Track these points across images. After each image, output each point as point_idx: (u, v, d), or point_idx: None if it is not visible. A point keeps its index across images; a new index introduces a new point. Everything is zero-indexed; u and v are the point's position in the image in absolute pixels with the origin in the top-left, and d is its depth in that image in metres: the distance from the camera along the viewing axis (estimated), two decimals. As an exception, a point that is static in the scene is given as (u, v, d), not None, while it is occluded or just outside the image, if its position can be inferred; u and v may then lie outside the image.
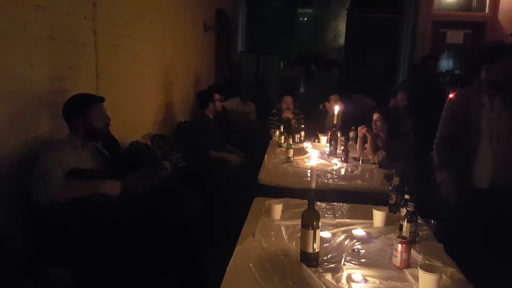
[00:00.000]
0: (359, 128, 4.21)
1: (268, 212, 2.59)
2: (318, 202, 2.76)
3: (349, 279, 1.87)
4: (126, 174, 2.93)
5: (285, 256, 2.08)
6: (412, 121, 4.79)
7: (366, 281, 1.87)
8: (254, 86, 7.52)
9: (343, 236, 2.33)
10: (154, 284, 2.64)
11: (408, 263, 1.99)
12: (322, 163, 3.97)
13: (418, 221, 2.33)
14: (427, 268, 1.79)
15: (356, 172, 3.64)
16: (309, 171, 3.62)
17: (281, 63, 9.29)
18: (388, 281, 1.86)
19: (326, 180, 3.44)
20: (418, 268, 1.81)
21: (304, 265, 1.95)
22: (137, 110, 4.45)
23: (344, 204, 2.88)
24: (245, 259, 2.04)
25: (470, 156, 3.00)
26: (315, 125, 5.45)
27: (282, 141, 4.78)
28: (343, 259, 2.06)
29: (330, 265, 2.00)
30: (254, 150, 4.94)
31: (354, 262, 2.04)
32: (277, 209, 2.57)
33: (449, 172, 3.05)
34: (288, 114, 5.60)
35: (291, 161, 3.99)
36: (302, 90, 6.88)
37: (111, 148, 3.07)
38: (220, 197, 4.05)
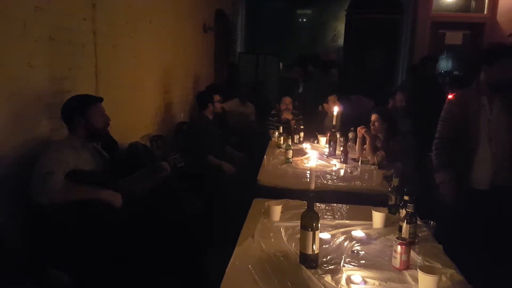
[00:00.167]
0: (358, 129, 4.22)
1: (268, 213, 2.59)
2: (317, 203, 2.76)
3: (349, 280, 1.87)
4: (126, 175, 2.94)
5: (284, 257, 2.08)
6: (411, 121, 4.80)
7: (365, 282, 1.87)
8: (253, 87, 7.52)
9: (342, 238, 2.33)
10: (153, 285, 2.64)
11: (407, 265, 1.99)
12: (321, 164, 3.97)
13: (418, 222, 2.33)
14: (427, 270, 1.80)
15: (355, 173, 3.64)
16: (308, 172, 3.62)
17: (280, 64, 9.29)
18: (388, 283, 1.87)
19: (325, 181, 3.44)
20: (418, 269, 1.81)
21: (303, 267, 1.95)
22: (136, 111, 4.45)
23: (344, 205, 2.88)
24: (244, 260, 2.04)
25: (469, 157, 3.00)
26: (314, 126, 5.45)
27: (281, 142, 4.78)
28: (342, 261, 2.06)
29: (330, 267, 2.00)
30: (253, 151, 4.94)
31: (353, 264, 2.04)
32: (277, 210, 2.57)
33: (448, 173, 3.05)
34: (287, 115, 5.59)
35: (291, 162, 3.99)
36: (301, 90, 6.88)
37: (111, 149, 3.07)
38: (219, 198, 4.05)
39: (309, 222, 1.94)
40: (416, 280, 1.84)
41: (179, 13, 5.75)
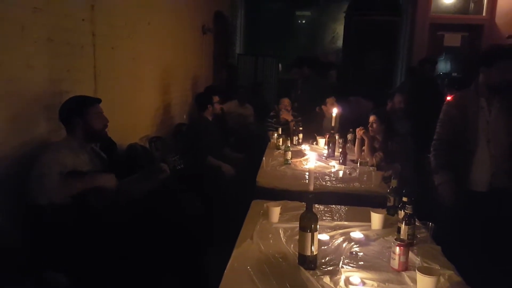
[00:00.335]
0: (357, 130, 4.22)
1: (266, 214, 2.59)
2: (316, 205, 2.76)
3: (347, 282, 1.87)
4: (124, 176, 2.93)
5: (283, 258, 2.08)
6: (409, 123, 4.80)
7: (364, 283, 1.87)
8: (252, 88, 7.53)
9: (341, 239, 2.33)
10: (152, 286, 2.63)
11: (406, 266, 2.00)
12: (320, 165, 3.97)
13: (416, 223, 2.33)
14: (425, 271, 1.80)
15: (354, 174, 3.64)
16: (307, 173, 3.62)
17: (279, 65, 9.29)
18: (386, 284, 1.87)
19: (324, 183, 3.44)
20: (416, 270, 1.81)
21: (302, 268, 1.95)
22: (135, 112, 4.45)
23: (342, 206, 2.88)
24: (243, 261, 2.04)
25: (468, 159, 3.00)
26: (313, 127, 5.45)
27: (280, 143, 4.78)
28: (341, 262, 2.06)
29: (328, 268, 2.00)
30: (252, 153, 4.94)
31: (352, 265, 2.04)
32: (275, 211, 2.56)
33: (446, 175, 3.05)
34: (286, 116, 5.58)
35: (289, 164, 3.99)
36: (300, 92, 6.88)
37: (109, 151, 3.07)
38: (219, 199, 4.05)
39: (307, 224, 1.94)
40: (414, 281, 1.84)
41: (178, 14, 5.75)
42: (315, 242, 1.95)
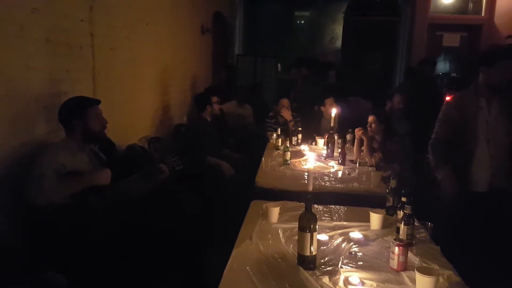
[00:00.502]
0: (356, 130, 4.22)
1: (265, 215, 2.59)
2: (315, 205, 2.76)
3: (346, 282, 1.87)
4: (123, 177, 2.93)
5: (282, 259, 2.08)
6: (408, 123, 4.80)
7: (363, 284, 1.87)
8: (252, 88, 7.53)
9: (340, 239, 2.33)
10: (152, 286, 2.63)
11: (405, 266, 1.99)
12: (319, 165, 3.97)
13: (415, 223, 2.33)
14: (424, 271, 1.80)
15: (353, 174, 3.64)
16: (306, 173, 3.62)
17: (279, 66, 9.29)
18: (386, 284, 1.87)
19: (323, 183, 3.44)
20: (415, 270, 1.81)
21: (301, 268, 1.95)
22: (134, 112, 4.44)
23: (341, 206, 2.88)
24: (242, 262, 2.04)
25: (467, 159, 3.00)
26: (312, 127, 5.45)
27: (279, 143, 4.78)
28: (340, 262, 2.06)
29: (328, 268, 2.00)
30: (251, 153, 4.94)
31: (351, 265, 2.04)
32: (274, 212, 2.56)
33: (447, 170, 3.03)
34: (286, 114, 5.56)
35: (288, 164, 3.99)
36: (299, 92, 6.88)
37: (108, 151, 3.06)
38: (218, 200, 4.05)
39: (307, 224, 1.94)
40: (413, 281, 1.84)
41: (177, 15, 5.75)
42: (314, 242, 1.95)
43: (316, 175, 3.59)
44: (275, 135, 5.02)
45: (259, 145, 5.17)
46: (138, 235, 2.60)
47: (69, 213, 2.42)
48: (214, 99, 4.89)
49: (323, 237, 2.32)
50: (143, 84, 4.63)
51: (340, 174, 3.72)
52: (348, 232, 2.41)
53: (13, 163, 2.59)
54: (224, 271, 1.95)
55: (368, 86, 8.26)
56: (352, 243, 2.28)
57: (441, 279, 1.87)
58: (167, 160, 3.06)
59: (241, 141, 5.88)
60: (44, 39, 2.87)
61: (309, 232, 1.93)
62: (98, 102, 2.83)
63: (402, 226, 2.23)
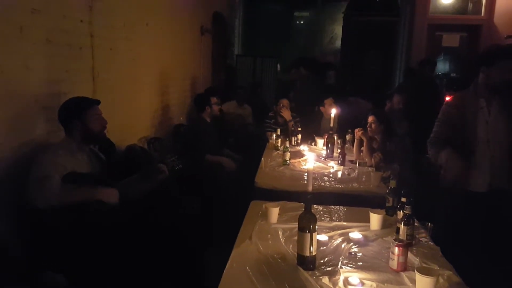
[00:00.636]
0: (355, 131, 4.22)
1: (265, 215, 2.59)
2: (315, 205, 2.76)
3: (346, 282, 1.87)
4: (123, 177, 2.93)
5: (282, 259, 2.08)
6: (408, 123, 4.80)
7: (363, 284, 1.87)
8: (252, 88, 7.54)
9: (340, 239, 2.33)
10: (152, 286, 2.63)
11: (405, 266, 2.00)
12: (319, 166, 3.98)
13: (415, 224, 2.33)
14: (424, 271, 1.80)
15: (352, 175, 3.64)
16: (306, 174, 3.62)
17: (278, 66, 9.29)
18: (385, 284, 1.87)
19: (323, 183, 3.44)
20: (415, 271, 1.81)
21: (301, 269, 1.95)
22: (134, 113, 4.44)
23: (341, 207, 2.88)
24: (242, 262, 2.04)
25: (467, 159, 3.00)
26: (311, 128, 5.45)
27: (279, 144, 4.78)
28: (340, 262, 2.06)
29: (327, 268, 2.00)
30: (250, 153, 4.94)
31: (351, 265, 2.04)
32: (274, 212, 2.56)
33: (449, 149, 2.99)
34: (286, 114, 5.55)
35: (288, 164, 3.99)
36: (298, 93, 6.88)
37: (108, 152, 3.06)
38: (217, 200, 4.05)
39: (306, 224, 1.94)
40: (413, 281, 1.84)
41: (176, 15, 5.75)
42: (314, 242, 1.95)
43: (316, 176, 3.59)
44: (274, 135, 5.02)
45: (259, 145, 5.17)
46: (138, 235, 2.60)
47: (69, 213, 2.42)
48: (214, 100, 4.89)
49: (322, 237, 2.32)
50: (142, 84, 4.63)
51: (339, 174, 3.72)
52: (347, 233, 2.41)
53: (13, 163, 2.59)
54: (224, 271, 1.96)
55: (367, 86, 8.26)
56: (351, 244, 2.28)
57: (441, 280, 1.87)
58: (167, 160, 3.06)
59: (240, 141, 5.88)
60: (44, 40, 2.87)
61: (308, 232, 1.93)
62: (97, 102, 2.83)
63: (402, 226, 2.24)
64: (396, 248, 1.98)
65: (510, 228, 2.87)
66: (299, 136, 5.05)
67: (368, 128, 4.08)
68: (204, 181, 4.24)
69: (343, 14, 9.73)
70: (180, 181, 3.46)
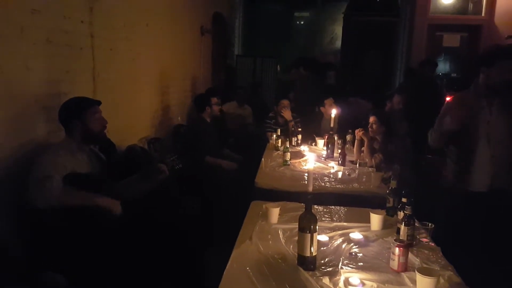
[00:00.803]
0: (356, 131, 4.22)
1: (265, 215, 2.58)
2: (315, 206, 2.76)
3: (347, 282, 1.87)
4: (123, 177, 2.93)
5: (282, 259, 2.08)
6: (408, 124, 4.80)
7: (363, 284, 1.87)
8: (252, 89, 7.54)
9: (340, 240, 2.33)
10: (152, 287, 2.63)
11: (405, 267, 1.99)
12: (319, 166, 3.97)
13: (416, 224, 2.33)
14: (425, 272, 1.80)
15: (353, 175, 3.63)
16: (306, 174, 3.62)
17: (278, 67, 9.30)
18: (386, 285, 1.86)
19: (323, 184, 3.44)
20: (416, 271, 1.81)
21: (301, 269, 1.95)
22: (134, 113, 4.45)
23: (342, 207, 2.88)
24: (242, 262, 2.04)
25: (468, 159, 3.00)
26: (312, 128, 5.45)
27: (279, 144, 4.77)
28: (340, 263, 2.05)
29: (328, 269, 1.99)
30: (251, 154, 4.94)
31: (351, 266, 2.04)
32: (274, 212, 2.56)
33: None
34: (287, 114, 5.55)
35: (288, 164, 3.99)
36: (298, 93, 6.88)
37: (108, 152, 3.06)
38: (217, 200, 4.05)
39: (307, 224, 1.93)
40: (414, 282, 1.84)
41: (176, 16, 5.75)
42: (314, 243, 1.95)
43: (316, 176, 3.58)
44: (274, 135, 5.02)
45: (259, 145, 5.17)
46: (138, 235, 2.60)
47: (69, 214, 2.42)
48: (214, 100, 4.89)
49: (323, 237, 2.32)
50: (143, 84, 4.64)
51: (340, 174, 3.71)
52: (348, 233, 2.40)
53: (13, 163, 2.59)
54: (224, 272, 1.95)
55: (367, 87, 8.26)
56: (352, 244, 2.28)
57: (441, 280, 1.87)
58: (167, 160, 3.06)
59: (240, 141, 5.88)
60: (44, 40, 2.87)
61: (309, 232, 1.93)
62: (98, 102, 2.83)
63: (402, 226, 2.23)
64: (397, 249, 1.98)
65: (510, 228, 2.87)
66: (300, 136, 5.05)
67: (369, 129, 4.08)
68: (204, 181, 4.24)
69: (343, 14, 9.73)
70: (180, 181, 3.46)
